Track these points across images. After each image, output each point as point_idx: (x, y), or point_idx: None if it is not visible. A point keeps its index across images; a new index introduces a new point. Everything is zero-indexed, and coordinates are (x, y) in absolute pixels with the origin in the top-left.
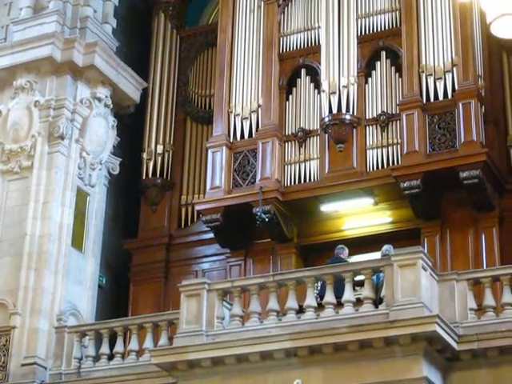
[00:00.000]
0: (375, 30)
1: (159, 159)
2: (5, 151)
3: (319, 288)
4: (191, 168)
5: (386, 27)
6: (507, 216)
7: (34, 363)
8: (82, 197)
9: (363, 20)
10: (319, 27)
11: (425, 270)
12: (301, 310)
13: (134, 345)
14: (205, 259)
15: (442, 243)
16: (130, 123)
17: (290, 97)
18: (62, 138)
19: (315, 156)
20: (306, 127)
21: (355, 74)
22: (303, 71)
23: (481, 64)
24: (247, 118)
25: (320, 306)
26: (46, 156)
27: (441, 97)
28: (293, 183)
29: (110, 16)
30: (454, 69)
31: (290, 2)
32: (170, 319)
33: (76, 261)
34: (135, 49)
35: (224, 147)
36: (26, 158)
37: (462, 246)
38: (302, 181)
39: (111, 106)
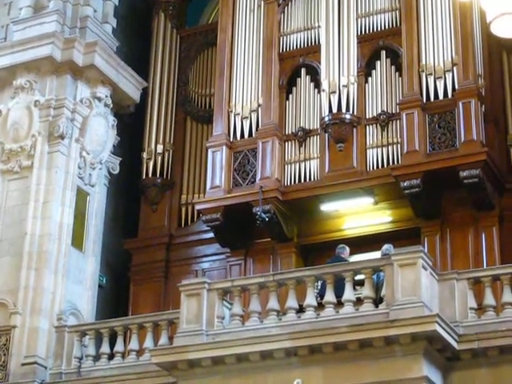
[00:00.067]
0: (375, 30)
1: (159, 159)
2: (5, 151)
3: (319, 287)
4: (191, 167)
5: (386, 26)
6: (507, 215)
7: (35, 363)
8: (82, 196)
9: (363, 19)
10: (319, 27)
11: (425, 269)
12: (301, 310)
13: (134, 344)
14: (205, 259)
15: (442, 242)
16: (130, 123)
17: (290, 96)
18: (62, 137)
19: (315, 155)
20: (306, 127)
21: (355, 73)
22: (303, 71)
23: (481, 63)
24: (247, 117)
25: (320, 306)
26: (46, 155)
27: (441, 96)
28: (293, 183)
29: (110, 16)
30: (454, 68)
31: (290, 1)
32: (170, 319)
33: (76, 260)
34: (135, 48)
35: (224, 147)
36: (26, 158)
37: (462, 245)
38: (302, 180)
39: (111, 106)
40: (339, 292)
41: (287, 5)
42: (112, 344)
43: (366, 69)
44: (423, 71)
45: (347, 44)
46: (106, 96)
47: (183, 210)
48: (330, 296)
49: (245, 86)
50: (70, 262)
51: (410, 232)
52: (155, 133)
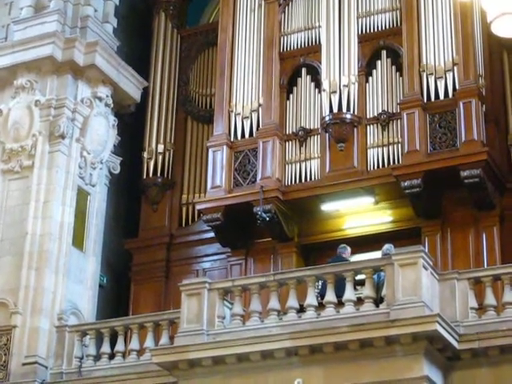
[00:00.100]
0: (376, 29)
1: (160, 158)
2: (5, 150)
3: (320, 287)
4: (192, 167)
5: (387, 26)
6: (508, 215)
7: (35, 362)
8: (82, 196)
9: (364, 19)
10: (320, 26)
11: (425, 269)
12: (301, 310)
13: (134, 344)
14: (205, 258)
15: (442, 242)
16: (131, 122)
17: (291, 96)
18: (62, 137)
19: (316, 155)
20: (307, 126)
21: (356, 73)
22: (304, 70)
23: (481, 63)
24: (248, 117)
25: (321, 306)
26: (46, 155)
27: (441, 96)
28: (293, 182)
29: (111, 15)
30: (455, 68)
31: (291, 1)
32: (171, 318)
33: (77, 260)
34: (136, 48)
35: (225, 146)
36: (26, 158)
37: (463, 245)
38: (303, 180)
39: (112, 106)
40: (340, 292)
41: (288, 4)
42: (113, 344)
43: (367, 68)
44: (424, 71)
45: (348, 44)
46: (107, 96)
47: (184, 209)
48: (330, 296)
49: (245, 86)
50: (70, 262)
51: (411, 232)
52: (156, 132)
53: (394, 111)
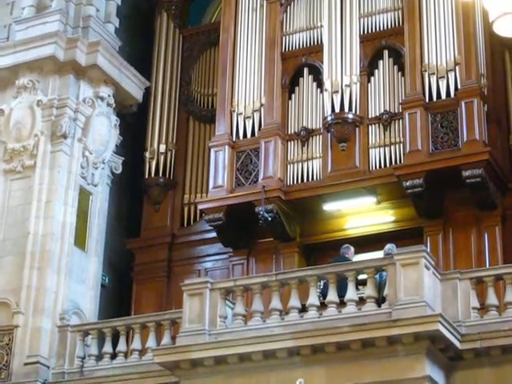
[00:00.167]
0: (378, 29)
1: (162, 158)
2: (7, 150)
3: (322, 287)
4: (194, 167)
5: (389, 26)
6: (510, 215)
7: (37, 362)
8: (84, 196)
9: (366, 19)
10: (322, 26)
11: (427, 268)
12: (303, 309)
13: (136, 344)
14: (207, 258)
15: (444, 242)
16: (133, 122)
17: (293, 96)
18: (64, 137)
19: (318, 155)
20: (309, 126)
21: (358, 72)
22: (306, 70)
23: (483, 63)
24: (250, 117)
25: (323, 305)
26: (48, 155)
27: (443, 96)
28: (295, 182)
29: (113, 15)
30: (457, 68)
31: (293, 1)
32: (173, 318)
33: (79, 260)
34: (138, 48)
35: (227, 146)
36: (28, 157)
37: (465, 244)
38: (305, 180)
39: (114, 105)
40: (342, 292)
41: (289, 4)
42: (114, 343)
43: (369, 68)
44: (426, 71)
45: (350, 43)
46: (109, 95)
47: (186, 209)
48: (332, 296)
49: (247, 86)
50: (72, 262)
51: (413, 231)
52: (158, 132)
53: (396, 111)
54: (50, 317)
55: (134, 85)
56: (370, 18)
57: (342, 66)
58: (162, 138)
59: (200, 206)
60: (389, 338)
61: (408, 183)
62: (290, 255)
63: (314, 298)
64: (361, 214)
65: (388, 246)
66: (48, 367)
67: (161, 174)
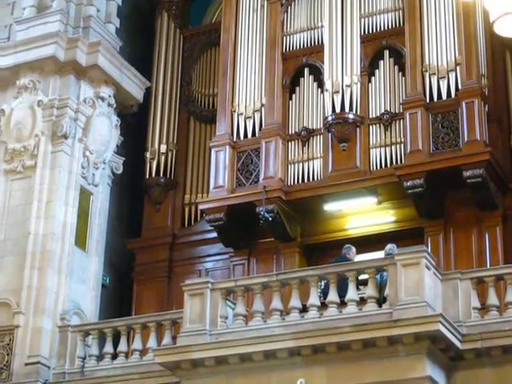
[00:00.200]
0: (378, 29)
1: (162, 158)
2: (8, 150)
3: (323, 287)
4: (194, 167)
5: (390, 26)
6: (511, 215)
7: (38, 362)
8: (85, 196)
9: (366, 19)
10: (322, 26)
11: (428, 269)
12: (304, 309)
13: (137, 344)
14: (208, 258)
15: (445, 242)
16: (134, 122)
17: (294, 96)
18: (65, 137)
19: (318, 155)
20: (310, 126)
21: (358, 73)
22: (306, 70)
23: (484, 63)
24: (250, 117)
25: (323, 305)
26: (49, 155)
27: (444, 96)
28: (296, 182)
29: (114, 15)
30: (458, 68)
31: (294, 1)
32: (174, 318)
33: (79, 260)
34: (138, 48)
35: (227, 146)
36: (29, 158)
37: (466, 244)
38: (306, 180)
39: (114, 106)
40: (342, 292)
41: (290, 4)
42: (115, 344)
43: (370, 68)
44: (426, 71)
45: (350, 44)
46: (110, 96)
47: (186, 209)
48: (333, 296)
49: (248, 86)
50: (73, 262)
51: (414, 232)
52: (158, 132)
53: (397, 111)
54: (50, 317)
55: (134, 85)
56: (370, 18)
57: (342, 66)
58: (162, 138)
59: (201, 206)
60: (389, 338)
61: (409, 183)
62: (291, 255)
63: (314, 298)
64: (361, 214)
65: (389, 246)
66: (49, 367)
67: (161, 174)
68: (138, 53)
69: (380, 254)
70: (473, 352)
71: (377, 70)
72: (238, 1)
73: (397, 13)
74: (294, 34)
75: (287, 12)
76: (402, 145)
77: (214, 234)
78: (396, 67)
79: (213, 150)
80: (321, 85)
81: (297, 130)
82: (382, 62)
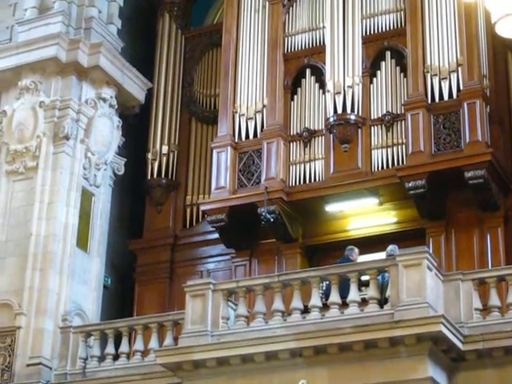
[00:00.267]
0: (380, 30)
1: (164, 159)
2: (10, 152)
3: (324, 288)
4: (196, 168)
5: (391, 27)
6: None
7: (40, 363)
8: (87, 197)
9: (368, 20)
10: (324, 27)
11: (430, 270)
12: (306, 310)
13: (139, 345)
14: (210, 259)
15: (447, 243)
16: (135, 123)
17: (295, 97)
18: (66, 138)
19: (320, 156)
20: (311, 127)
21: (360, 74)
22: (308, 71)
23: (486, 64)
24: (252, 118)
25: (325, 306)
26: (50, 156)
27: (446, 97)
28: (298, 183)
29: (115, 16)
30: (459, 69)
31: (295, 2)
32: (175, 319)
33: (81, 261)
34: (140, 49)
35: (229, 147)
36: (30, 159)
37: (467, 245)
38: (307, 181)
39: (116, 107)
40: (344, 293)
41: (292, 5)
42: (117, 345)
43: (371, 69)
44: (428, 72)
45: (352, 45)
46: (111, 97)
47: (188, 210)
48: (334, 297)
49: (250, 87)
50: (74, 263)
51: (415, 233)
52: (160, 133)
53: (399, 112)
54: (52, 318)
55: (136, 86)
56: (372, 19)
57: (344, 67)
58: (164, 139)
59: (202, 207)
60: (391, 339)
61: (410, 184)
62: (293, 256)
63: (316, 299)
64: (363, 215)
65: (390, 247)
66: (50, 368)
67: (163, 175)
68: (139, 54)
69: (381, 255)
70: (474, 353)
71: (378, 71)
72: (240, 2)
73: (398, 14)
74: (295, 34)
75: (289, 13)
76: (404, 146)
77: (216, 235)
78: (398, 68)
79: (214, 151)
80: (322, 86)
81: (298, 131)
82: (383, 62)
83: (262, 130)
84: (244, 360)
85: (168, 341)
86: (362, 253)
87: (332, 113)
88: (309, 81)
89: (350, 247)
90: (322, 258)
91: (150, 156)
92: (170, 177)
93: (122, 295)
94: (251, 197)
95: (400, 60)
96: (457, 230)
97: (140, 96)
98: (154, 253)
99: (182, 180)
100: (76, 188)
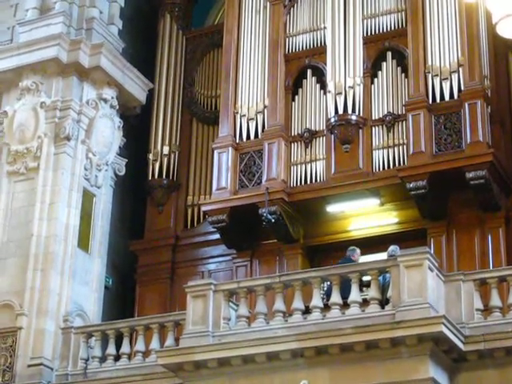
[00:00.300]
0: (381, 31)
1: (165, 160)
2: (11, 152)
3: (325, 288)
4: (197, 169)
5: (392, 28)
6: None
7: (41, 364)
8: (88, 198)
9: (369, 20)
10: (325, 28)
11: (431, 270)
12: (307, 311)
13: (140, 346)
14: (211, 260)
15: (448, 244)
16: (136, 124)
17: (296, 97)
18: (68, 139)
19: (321, 157)
20: (312, 128)
21: (361, 74)
22: (309, 72)
23: (487, 64)
24: (253, 118)
25: (326, 307)
26: (52, 157)
27: (447, 97)
28: (299, 184)
29: (116, 17)
30: (460, 69)
31: (296, 2)
32: (177, 320)
33: (82, 262)
34: (141, 50)
35: (230, 148)
36: (32, 159)
37: (469, 246)
38: (308, 181)
39: (117, 107)
40: (345, 293)
41: (293, 6)
42: (118, 345)
43: (372, 70)
44: (429, 72)
45: (353, 45)
46: (112, 97)
47: (189, 211)
48: (336, 297)
49: (251, 88)
50: (76, 264)
51: (416, 233)
52: (161, 134)
53: (400, 112)
54: (53, 319)
55: (137, 87)
56: (373, 20)
57: (345, 67)
58: (165, 140)
59: (203, 208)
60: (392, 340)
61: (411, 185)
62: (294, 257)
63: (317, 300)
64: (364, 216)
65: (391, 248)
66: (51, 369)
67: (164, 176)
68: (140, 54)
69: (383, 256)
70: (476, 353)
71: (379, 72)
72: (241, 2)
73: (399, 14)
74: (296, 35)
75: (290, 13)
76: (405, 146)
77: (217, 236)
78: (399, 68)
79: (215, 152)
80: (323, 86)
81: (299, 132)
82: (384, 63)
83: (263, 131)
84: (245, 360)
85: (169, 341)
86: (363, 253)
87: (333, 113)
88: (310, 81)
89: (351, 248)
90: (323, 259)
91: (151, 157)
92: (171, 177)
93: (123, 296)
94: (252, 197)
95: (401, 60)
96: (458, 230)
97: (141, 97)
98: (155, 253)
99: (183, 181)
100: (77, 189)
